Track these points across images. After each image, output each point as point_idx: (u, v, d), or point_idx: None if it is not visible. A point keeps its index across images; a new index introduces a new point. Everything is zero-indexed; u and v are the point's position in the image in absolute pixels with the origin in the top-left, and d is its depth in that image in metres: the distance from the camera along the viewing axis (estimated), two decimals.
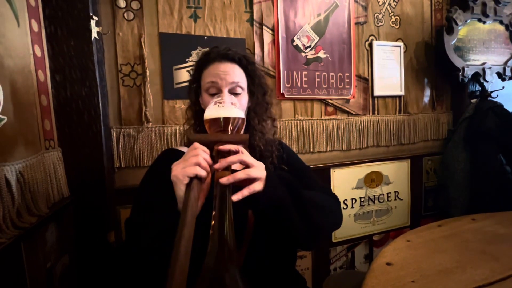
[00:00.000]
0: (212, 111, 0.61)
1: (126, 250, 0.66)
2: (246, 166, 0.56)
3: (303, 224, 0.63)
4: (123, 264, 0.66)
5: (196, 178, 0.51)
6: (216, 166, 0.52)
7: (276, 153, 0.80)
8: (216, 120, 0.60)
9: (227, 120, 0.60)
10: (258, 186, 0.55)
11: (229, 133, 0.59)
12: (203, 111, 0.81)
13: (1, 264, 0.60)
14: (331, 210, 0.74)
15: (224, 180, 0.50)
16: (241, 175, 0.53)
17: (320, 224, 0.66)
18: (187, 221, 0.43)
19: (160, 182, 0.63)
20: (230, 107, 0.62)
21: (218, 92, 0.72)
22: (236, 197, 0.51)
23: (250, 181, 0.55)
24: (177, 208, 0.55)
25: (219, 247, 0.42)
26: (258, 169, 0.56)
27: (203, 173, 0.51)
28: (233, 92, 0.72)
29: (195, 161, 0.51)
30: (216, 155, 0.55)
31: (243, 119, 0.63)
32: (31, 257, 0.72)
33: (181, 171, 0.51)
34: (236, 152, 0.55)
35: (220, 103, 0.62)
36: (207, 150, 0.55)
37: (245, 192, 0.53)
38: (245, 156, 0.56)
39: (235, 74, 0.73)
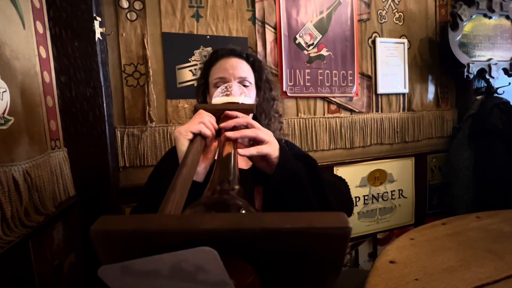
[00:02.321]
0: (220, 99, 0.60)
1: None
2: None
3: (318, 202, 0.58)
4: None
5: (200, 135, 0.49)
6: (222, 125, 0.51)
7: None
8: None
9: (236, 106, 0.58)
10: (266, 149, 0.51)
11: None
12: None
13: (10, 262, 0.62)
14: (345, 195, 0.71)
15: (230, 134, 0.47)
16: (248, 132, 0.50)
17: (335, 205, 0.61)
18: (187, 162, 0.40)
19: (165, 178, 0.63)
20: (238, 95, 0.60)
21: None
22: (243, 152, 0.48)
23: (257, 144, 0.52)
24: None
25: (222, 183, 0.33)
26: (267, 134, 0.54)
27: (207, 131, 0.50)
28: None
29: (199, 120, 0.50)
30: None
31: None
32: (39, 255, 0.74)
33: (184, 127, 0.50)
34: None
35: (228, 91, 0.60)
36: (213, 116, 0.54)
37: (253, 150, 0.49)
38: (252, 120, 0.54)
39: (242, 69, 0.74)
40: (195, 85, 0.87)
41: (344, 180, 0.79)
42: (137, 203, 0.68)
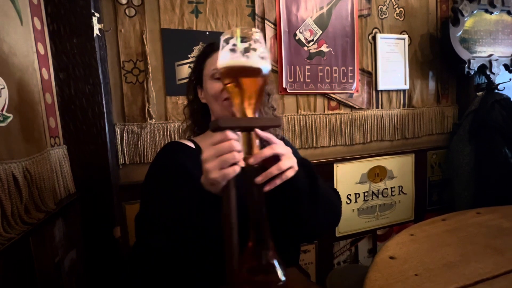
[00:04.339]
0: (231, 57, 0.45)
1: (140, 247, 0.60)
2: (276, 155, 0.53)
3: (310, 213, 0.62)
4: (137, 264, 0.62)
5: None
6: (251, 161, 0.47)
7: None
8: (237, 70, 0.45)
9: (254, 71, 0.45)
10: (290, 174, 0.53)
11: (255, 91, 0.47)
12: (202, 108, 0.79)
13: (10, 259, 0.62)
14: (335, 208, 0.72)
15: (259, 179, 0.47)
16: (274, 171, 0.50)
17: (322, 218, 0.65)
18: (233, 223, 0.44)
19: (168, 175, 0.63)
20: (254, 54, 0.46)
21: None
22: (269, 187, 0.49)
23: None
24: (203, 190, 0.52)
25: (258, 243, 0.44)
26: (289, 159, 0.54)
27: (238, 170, 0.47)
28: None
29: (232, 160, 0.46)
30: (245, 137, 0.48)
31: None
32: (40, 252, 0.74)
33: (220, 174, 0.46)
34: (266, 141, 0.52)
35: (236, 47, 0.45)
36: (237, 137, 0.47)
37: (278, 182, 0.51)
38: (277, 147, 0.52)
39: None
40: (187, 80, 0.85)
41: (337, 191, 0.79)
42: (140, 209, 0.65)
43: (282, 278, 0.42)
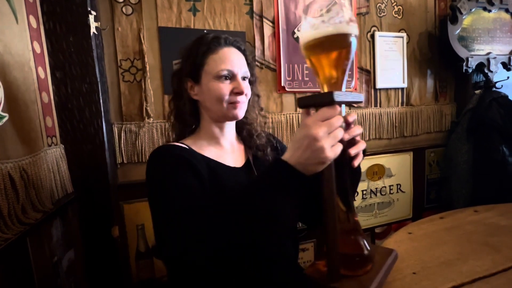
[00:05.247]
0: (321, 27, 0.44)
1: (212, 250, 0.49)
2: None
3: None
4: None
5: None
6: (346, 137, 0.48)
7: (274, 144, 0.84)
8: (330, 40, 0.44)
9: (346, 38, 0.45)
10: (362, 154, 0.56)
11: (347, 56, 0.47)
12: (192, 103, 0.75)
13: (8, 259, 0.62)
14: None
15: (355, 164, 0.52)
16: (362, 147, 0.54)
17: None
18: (334, 200, 0.47)
19: (189, 169, 0.62)
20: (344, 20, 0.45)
21: (232, 77, 0.71)
22: (357, 162, 0.53)
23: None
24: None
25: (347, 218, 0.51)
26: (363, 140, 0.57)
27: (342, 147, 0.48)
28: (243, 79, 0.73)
29: (341, 136, 0.45)
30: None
31: None
32: (37, 252, 0.73)
33: (333, 151, 0.44)
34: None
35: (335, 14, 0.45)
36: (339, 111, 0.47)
37: (360, 159, 0.55)
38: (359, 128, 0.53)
39: (244, 63, 0.74)
40: (175, 72, 0.78)
41: None
42: (169, 215, 0.55)
43: (367, 249, 0.52)
